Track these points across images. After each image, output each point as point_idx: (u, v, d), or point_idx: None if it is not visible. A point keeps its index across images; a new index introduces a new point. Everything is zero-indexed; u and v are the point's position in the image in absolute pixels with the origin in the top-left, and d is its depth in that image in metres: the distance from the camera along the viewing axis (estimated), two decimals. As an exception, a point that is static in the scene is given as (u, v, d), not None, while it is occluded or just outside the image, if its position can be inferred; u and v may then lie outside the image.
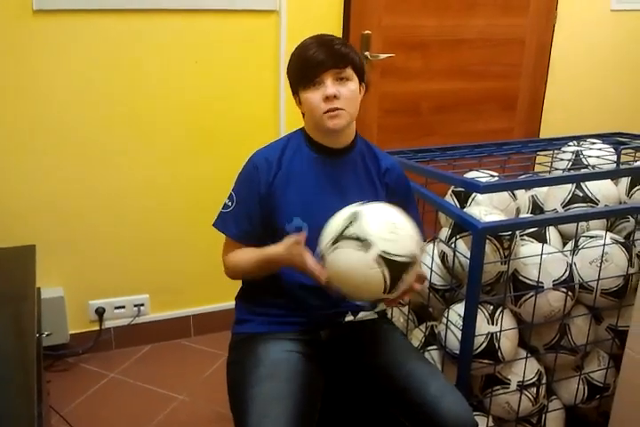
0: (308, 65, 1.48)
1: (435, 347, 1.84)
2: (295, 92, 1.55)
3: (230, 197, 1.59)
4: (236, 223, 1.57)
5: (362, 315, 1.67)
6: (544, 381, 1.80)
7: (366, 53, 2.64)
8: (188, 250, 2.58)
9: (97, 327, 2.53)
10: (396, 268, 1.28)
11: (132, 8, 2.24)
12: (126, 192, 2.44)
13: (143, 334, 2.60)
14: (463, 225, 1.66)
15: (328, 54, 1.47)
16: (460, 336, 1.66)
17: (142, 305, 2.58)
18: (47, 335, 1.73)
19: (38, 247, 1.83)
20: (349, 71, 1.50)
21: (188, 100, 2.42)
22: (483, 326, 1.67)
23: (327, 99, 1.47)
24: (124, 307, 2.56)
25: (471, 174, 1.93)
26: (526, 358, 1.76)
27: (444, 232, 1.78)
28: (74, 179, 2.35)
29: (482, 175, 1.88)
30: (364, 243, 1.27)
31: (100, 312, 2.51)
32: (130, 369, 2.46)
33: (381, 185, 1.63)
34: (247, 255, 1.56)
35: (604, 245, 1.77)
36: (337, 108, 1.48)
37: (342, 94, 1.48)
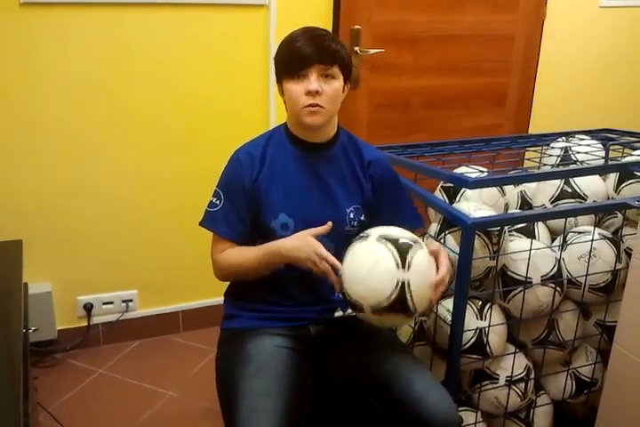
0: (296, 57, 1.47)
1: (424, 342, 1.84)
2: (279, 81, 1.54)
3: (216, 195, 1.57)
4: (227, 221, 1.55)
5: (351, 310, 1.66)
6: (532, 376, 1.80)
7: (356, 48, 2.64)
8: (177, 246, 2.57)
9: (85, 323, 2.52)
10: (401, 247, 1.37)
11: (119, 1, 2.22)
12: (115, 189, 2.43)
13: (132, 330, 2.59)
14: (452, 220, 1.66)
15: (317, 49, 1.46)
16: (448, 331, 1.66)
17: (131, 301, 2.57)
18: (34, 331, 1.72)
19: (26, 242, 1.82)
20: (336, 69, 1.49)
21: (176, 96, 2.41)
22: (471, 321, 1.67)
23: (309, 93, 1.46)
24: (112, 303, 2.55)
25: (460, 170, 1.93)
26: (515, 353, 1.76)
27: (434, 228, 1.78)
28: (62, 175, 2.33)
29: (471, 171, 1.88)
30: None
31: (89, 308, 2.50)
32: (118, 365, 2.45)
33: (365, 178, 1.62)
34: (249, 252, 1.54)
35: (592, 240, 1.77)
36: (317, 105, 1.47)
37: (325, 92, 1.47)
